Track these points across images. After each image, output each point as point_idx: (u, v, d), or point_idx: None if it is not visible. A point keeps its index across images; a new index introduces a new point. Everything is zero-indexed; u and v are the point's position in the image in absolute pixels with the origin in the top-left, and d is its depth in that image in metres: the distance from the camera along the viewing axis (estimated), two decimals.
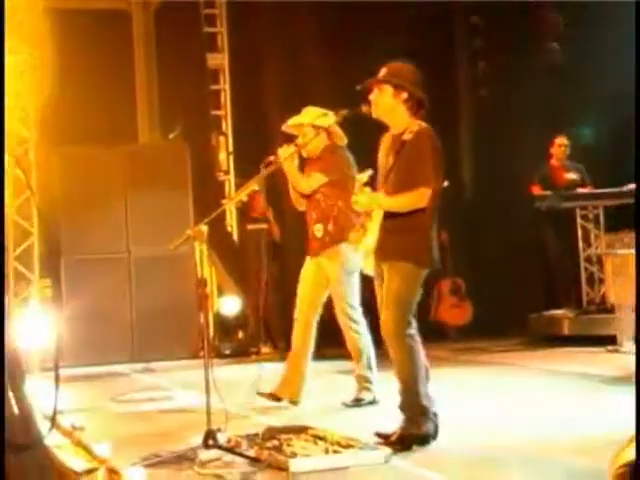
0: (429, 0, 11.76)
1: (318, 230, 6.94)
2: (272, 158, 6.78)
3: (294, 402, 6.90)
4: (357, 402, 6.81)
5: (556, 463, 4.73)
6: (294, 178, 6.94)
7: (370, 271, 5.48)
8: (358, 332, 6.89)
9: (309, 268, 7.01)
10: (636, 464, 1.66)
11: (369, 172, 5.40)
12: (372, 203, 5.35)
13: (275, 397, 6.92)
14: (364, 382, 6.87)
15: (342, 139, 7.00)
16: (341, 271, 6.86)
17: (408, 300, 5.30)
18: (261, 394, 6.94)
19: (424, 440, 5.21)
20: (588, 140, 11.35)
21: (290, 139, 7.06)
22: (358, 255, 6.76)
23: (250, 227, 11.76)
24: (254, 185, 6.94)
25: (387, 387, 5.65)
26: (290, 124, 7.07)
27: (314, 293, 6.95)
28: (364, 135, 6.01)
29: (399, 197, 5.30)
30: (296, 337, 6.99)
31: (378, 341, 5.51)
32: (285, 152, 6.78)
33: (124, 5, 12.74)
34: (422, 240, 5.34)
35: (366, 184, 5.38)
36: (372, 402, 6.82)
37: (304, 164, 7.07)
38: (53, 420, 3.19)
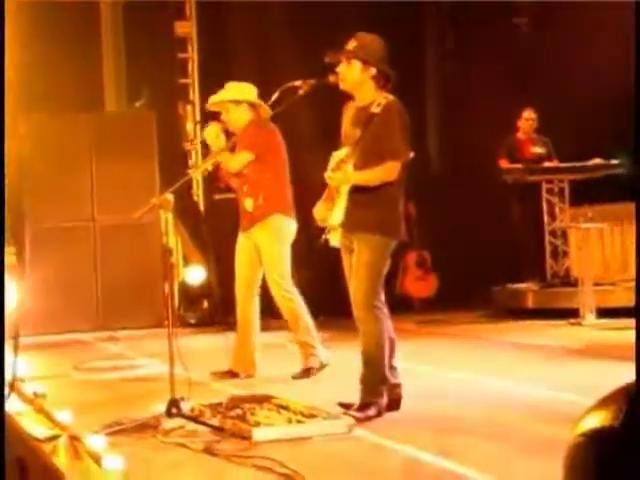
0: None
1: (248, 204, 6.94)
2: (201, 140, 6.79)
3: (250, 376, 6.93)
4: (306, 373, 6.83)
5: (519, 432, 4.77)
6: (222, 158, 6.94)
7: (337, 243, 5.48)
8: (291, 300, 6.91)
9: (242, 244, 7.02)
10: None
11: (345, 150, 5.38)
12: (346, 180, 5.35)
13: (232, 373, 6.95)
14: (308, 348, 6.90)
15: (267, 112, 6.90)
16: (272, 241, 6.89)
17: (378, 271, 5.32)
18: (215, 373, 6.95)
19: (384, 409, 5.25)
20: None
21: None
22: (290, 226, 6.84)
23: (217, 197, 11.73)
24: (219, 155, 6.92)
25: (354, 357, 5.65)
26: (211, 102, 7.09)
27: (250, 269, 6.96)
28: (328, 104, 5.99)
29: (369, 172, 5.31)
30: (239, 313, 7.04)
31: (345, 312, 5.52)
32: (210, 131, 6.81)
33: None
34: (391, 212, 5.36)
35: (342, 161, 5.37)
36: (321, 367, 6.85)
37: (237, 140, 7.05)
38: (12, 386, 3.17)
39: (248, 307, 6.99)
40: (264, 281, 7.01)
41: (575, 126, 10.87)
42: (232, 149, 6.95)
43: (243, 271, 6.99)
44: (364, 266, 5.29)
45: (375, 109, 5.32)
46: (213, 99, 7.07)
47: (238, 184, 7.05)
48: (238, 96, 6.95)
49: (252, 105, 6.93)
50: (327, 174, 5.40)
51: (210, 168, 7.33)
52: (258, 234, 6.91)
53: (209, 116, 11.34)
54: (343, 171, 5.33)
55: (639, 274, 7.87)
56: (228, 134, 6.96)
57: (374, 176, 5.30)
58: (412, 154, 5.53)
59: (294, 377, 6.82)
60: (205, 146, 11.13)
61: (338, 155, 5.41)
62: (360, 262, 5.31)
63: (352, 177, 5.34)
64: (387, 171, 5.27)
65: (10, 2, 10.36)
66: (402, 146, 5.30)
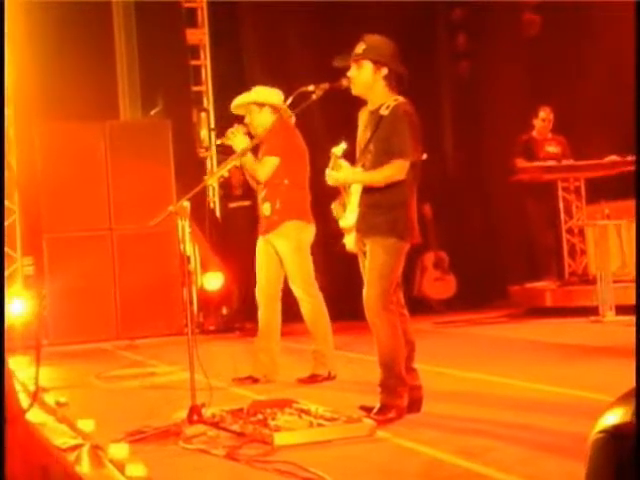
0: None
1: (266, 209, 6.95)
2: (220, 141, 6.78)
3: (270, 380, 6.94)
4: (312, 379, 6.85)
5: (540, 432, 4.75)
6: (251, 168, 6.94)
7: (353, 247, 5.48)
8: (314, 306, 6.92)
9: (261, 248, 7.02)
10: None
11: (343, 145, 5.35)
12: (347, 178, 5.34)
13: (252, 379, 6.96)
14: (320, 356, 6.92)
15: (290, 116, 6.91)
16: (291, 248, 6.88)
17: (391, 275, 5.30)
18: (236, 379, 6.97)
19: (404, 412, 5.25)
20: None
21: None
22: (308, 230, 6.85)
23: (232, 205, 11.79)
24: (235, 161, 6.93)
25: (373, 360, 5.66)
26: (235, 104, 7.07)
27: (270, 271, 6.96)
28: (344, 109, 5.99)
29: (376, 171, 5.29)
30: (261, 317, 7.04)
31: (360, 315, 5.52)
32: (234, 133, 6.77)
33: None
34: (403, 214, 5.32)
35: (341, 157, 5.34)
36: (328, 377, 6.86)
37: (259, 144, 7.04)
38: (34, 396, 3.19)
39: (270, 312, 6.99)
40: (286, 285, 7.01)
41: (590, 123, 10.85)
42: (254, 151, 6.94)
43: (264, 275, 6.99)
44: (376, 269, 5.27)
45: (384, 111, 5.30)
46: (237, 101, 7.05)
47: (257, 188, 7.06)
48: (261, 98, 6.94)
49: (275, 109, 6.91)
50: (327, 173, 5.38)
51: (226, 174, 7.34)
52: (276, 241, 6.91)
53: (224, 123, 11.38)
54: (344, 170, 5.30)
55: (639, 273, 7.87)
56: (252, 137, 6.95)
57: (381, 175, 5.27)
58: (425, 156, 5.51)
59: (300, 380, 6.86)
60: (221, 152, 11.16)
61: (336, 151, 5.36)
62: (372, 265, 5.29)
63: (359, 177, 5.33)
64: (395, 170, 5.23)
65: (24, 17, 10.45)
66: (409, 145, 5.24)
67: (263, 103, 6.92)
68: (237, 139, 6.77)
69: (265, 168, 6.89)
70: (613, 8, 10.31)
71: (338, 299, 9.02)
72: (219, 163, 11.79)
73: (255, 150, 6.96)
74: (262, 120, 6.90)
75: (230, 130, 6.84)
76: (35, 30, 10.71)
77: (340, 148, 5.32)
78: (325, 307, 6.97)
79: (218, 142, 6.85)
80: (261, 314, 7.04)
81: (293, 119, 6.95)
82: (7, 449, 2.67)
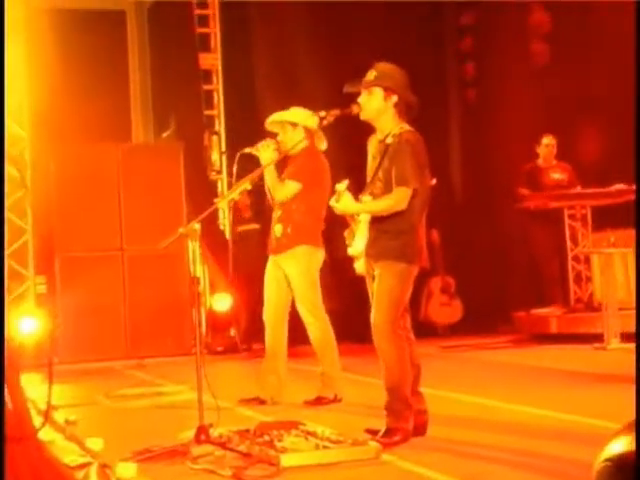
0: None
1: (277, 230, 6.99)
2: (248, 150, 6.86)
3: (276, 402, 6.96)
4: (318, 401, 6.88)
5: (544, 458, 4.79)
6: (272, 185, 6.96)
7: (362, 271, 5.54)
8: (321, 330, 6.95)
9: (270, 270, 7.06)
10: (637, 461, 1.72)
11: (346, 182, 5.41)
12: (348, 208, 5.41)
13: (259, 400, 6.99)
14: (327, 379, 6.95)
15: (323, 143, 6.99)
16: (300, 271, 6.92)
17: (399, 299, 5.36)
18: (243, 400, 7.01)
19: (410, 435, 5.30)
20: None
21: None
22: (317, 254, 6.89)
23: (241, 229, 11.83)
24: (246, 184, 6.99)
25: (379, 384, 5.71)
26: (270, 120, 7.09)
27: (279, 293, 7.00)
28: (355, 136, 6.07)
29: (377, 201, 5.37)
30: (268, 338, 7.07)
31: (367, 338, 5.58)
32: (265, 146, 6.85)
33: (118, 5, 12.80)
34: (411, 239, 5.38)
35: (345, 191, 5.42)
36: (334, 399, 6.89)
37: (285, 162, 7.08)
38: (46, 415, 3.26)
39: (277, 333, 7.03)
40: (294, 308, 7.07)
41: (597, 152, 10.90)
42: (278, 168, 7.00)
43: (272, 297, 7.03)
44: (385, 293, 5.33)
45: (389, 140, 5.38)
46: (273, 117, 7.06)
47: (273, 203, 7.11)
48: (297, 119, 6.96)
49: (309, 132, 6.92)
50: (331, 204, 5.47)
51: (237, 197, 7.37)
52: (285, 263, 6.96)
53: (236, 146, 11.43)
54: (344, 199, 5.38)
55: (639, 293, 7.90)
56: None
57: (384, 205, 5.35)
58: (434, 181, 5.59)
59: (306, 402, 6.89)
60: (231, 175, 11.22)
61: (339, 187, 5.44)
62: (381, 290, 5.34)
63: (361, 207, 5.40)
64: (397, 199, 5.30)
65: (39, 41, 10.60)
66: (410, 174, 5.29)
67: (298, 123, 6.97)
68: (266, 153, 6.85)
69: (285, 191, 6.94)
70: (622, 37, 10.37)
71: (346, 322, 9.07)
72: (230, 186, 11.86)
73: (280, 166, 7.03)
74: (294, 139, 6.88)
75: (261, 142, 6.90)
76: (50, 53, 10.83)
77: (343, 184, 5.39)
78: (332, 330, 7.02)
79: (247, 150, 6.89)
80: (268, 336, 7.08)
81: (325, 144, 7.03)
82: (18, 469, 2.73)
